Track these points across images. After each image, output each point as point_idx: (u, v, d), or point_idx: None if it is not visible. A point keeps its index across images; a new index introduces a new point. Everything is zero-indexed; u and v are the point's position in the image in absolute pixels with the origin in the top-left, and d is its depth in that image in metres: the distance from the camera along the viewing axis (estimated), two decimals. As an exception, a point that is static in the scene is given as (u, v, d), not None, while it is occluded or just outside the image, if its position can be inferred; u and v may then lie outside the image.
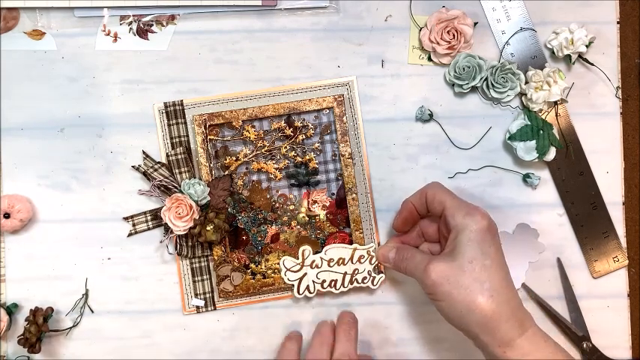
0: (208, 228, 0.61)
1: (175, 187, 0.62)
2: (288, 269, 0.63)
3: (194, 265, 0.64)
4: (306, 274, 0.63)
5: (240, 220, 0.64)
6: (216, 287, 0.64)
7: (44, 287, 0.64)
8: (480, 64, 0.63)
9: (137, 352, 0.64)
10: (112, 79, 0.64)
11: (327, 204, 0.65)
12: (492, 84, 0.63)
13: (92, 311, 0.64)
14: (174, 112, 0.64)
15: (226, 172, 0.64)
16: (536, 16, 0.65)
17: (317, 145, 0.64)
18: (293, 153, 0.64)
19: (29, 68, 0.64)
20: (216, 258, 0.63)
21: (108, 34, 0.64)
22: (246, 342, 0.65)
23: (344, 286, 0.63)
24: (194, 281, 0.64)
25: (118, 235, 0.64)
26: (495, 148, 0.65)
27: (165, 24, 0.64)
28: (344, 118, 0.64)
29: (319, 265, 0.63)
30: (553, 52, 0.64)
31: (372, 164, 0.65)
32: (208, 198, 0.62)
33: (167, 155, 0.63)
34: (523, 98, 0.64)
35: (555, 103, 0.64)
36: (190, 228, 0.61)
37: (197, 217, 0.62)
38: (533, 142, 0.62)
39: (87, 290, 0.64)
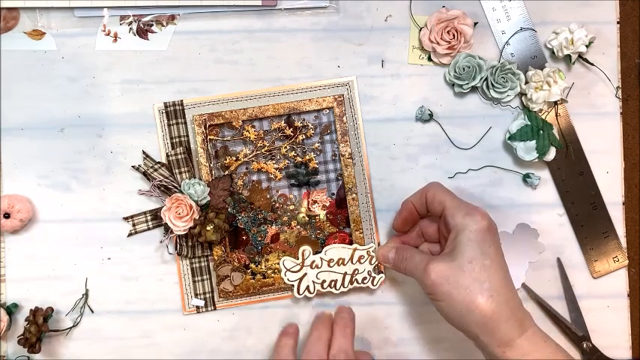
0: (208, 228, 0.61)
1: (175, 187, 0.62)
2: (288, 269, 0.63)
3: (194, 265, 0.64)
4: (306, 274, 0.63)
5: (240, 220, 0.64)
6: (216, 287, 0.64)
7: (44, 287, 0.64)
8: (480, 64, 0.63)
9: (137, 352, 0.64)
10: (112, 79, 0.64)
11: (327, 204, 0.65)
12: (492, 84, 0.63)
13: (92, 311, 0.64)
14: (174, 112, 0.64)
15: (226, 172, 0.64)
16: (536, 16, 0.65)
17: (317, 145, 0.64)
18: (293, 153, 0.64)
19: (29, 68, 0.64)
20: (216, 258, 0.63)
21: (108, 34, 0.64)
22: (246, 342, 0.65)
23: (344, 287, 0.63)
24: (194, 281, 0.64)
25: (118, 235, 0.64)
26: (495, 148, 0.65)
27: (165, 24, 0.64)
28: (344, 118, 0.64)
29: (319, 266, 0.63)
30: (553, 52, 0.64)
31: (372, 164, 0.65)
32: (208, 198, 0.62)
33: (167, 155, 0.63)
34: (523, 98, 0.64)
35: (555, 103, 0.64)
36: (190, 228, 0.61)
37: (197, 217, 0.62)
38: (533, 142, 0.62)
39: (87, 290, 0.64)
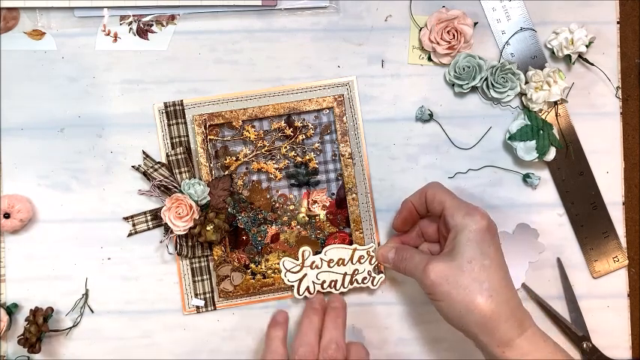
0: (208, 228, 0.61)
1: (175, 187, 0.62)
2: (288, 270, 0.63)
3: (194, 265, 0.64)
4: (306, 274, 0.63)
5: (240, 220, 0.64)
6: (216, 287, 0.64)
7: (44, 287, 0.64)
8: (480, 64, 0.63)
9: (137, 352, 0.64)
10: (112, 79, 0.64)
11: (327, 204, 0.65)
12: (492, 84, 0.63)
13: (92, 311, 0.64)
14: (174, 112, 0.64)
15: (226, 172, 0.64)
16: (536, 16, 0.65)
17: (317, 145, 0.64)
18: (293, 153, 0.64)
19: (29, 68, 0.64)
20: (216, 258, 0.63)
21: (108, 34, 0.64)
22: (246, 342, 0.65)
23: (344, 287, 0.63)
24: (194, 281, 0.64)
25: (118, 235, 0.64)
26: (495, 148, 0.65)
27: (165, 24, 0.64)
28: (344, 118, 0.64)
29: (319, 266, 0.63)
30: (553, 52, 0.64)
31: (372, 164, 0.65)
32: (208, 198, 0.62)
33: (167, 155, 0.63)
34: (523, 98, 0.64)
35: (555, 103, 0.64)
36: (190, 228, 0.61)
37: (197, 217, 0.62)
38: (533, 142, 0.62)
39: (87, 290, 0.64)
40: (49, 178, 0.64)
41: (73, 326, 0.64)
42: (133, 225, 0.64)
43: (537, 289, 0.65)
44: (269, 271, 0.64)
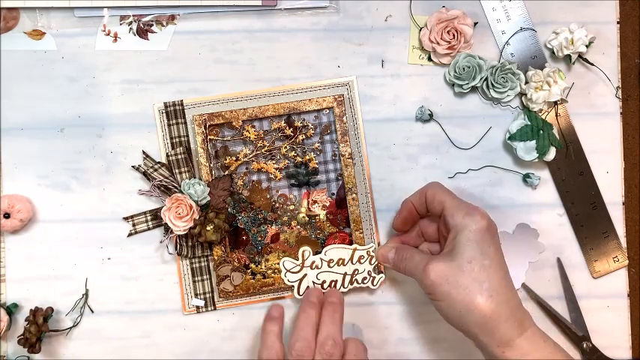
0: (208, 228, 0.61)
1: (175, 187, 0.62)
2: (288, 270, 0.63)
3: (194, 265, 0.64)
4: (306, 275, 0.63)
5: (240, 220, 0.64)
6: (216, 287, 0.64)
7: (44, 287, 0.64)
8: (480, 64, 0.63)
9: (137, 352, 0.64)
10: (112, 79, 0.64)
11: (327, 204, 0.65)
12: (492, 84, 0.63)
13: (92, 311, 0.64)
14: (174, 112, 0.64)
15: (226, 172, 0.64)
16: (536, 16, 0.65)
17: (317, 145, 0.64)
18: (293, 153, 0.64)
19: (29, 68, 0.64)
20: (216, 258, 0.63)
21: (108, 34, 0.64)
22: (246, 342, 0.65)
23: (344, 287, 0.63)
24: (194, 281, 0.64)
25: (118, 235, 0.64)
26: (495, 148, 0.65)
27: (165, 24, 0.64)
28: (344, 118, 0.64)
29: (319, 266, 0.63)
30: (553, 52, 0.64)
31: (372, 164, 0.65)
32: (208, 198, 0.62)
33: (167, 155, 0.63)
34: (523, 98, 0.64)
35: (555, 103, 0.64)
36: (190, 228, 0.61)
37: (197, 217, 0.62)
38: (533, 142, 0.62)
39: (87, 290, 0.64)
40: (49, 178, 0.64)
41: (73, 326, 0.64)
42: (133, 225, 0.64)
43: (537, 289, 0.65)
44: (269, 271, 0.64)
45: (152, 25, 0.64)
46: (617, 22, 0.65)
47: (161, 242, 0.64)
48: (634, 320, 0.65)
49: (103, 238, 0.64)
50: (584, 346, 0.64)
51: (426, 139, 0.65)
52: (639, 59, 0.66)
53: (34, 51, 0.64)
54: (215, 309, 0.64)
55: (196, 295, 0.64)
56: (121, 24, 0.64)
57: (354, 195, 0.64)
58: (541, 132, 0.62)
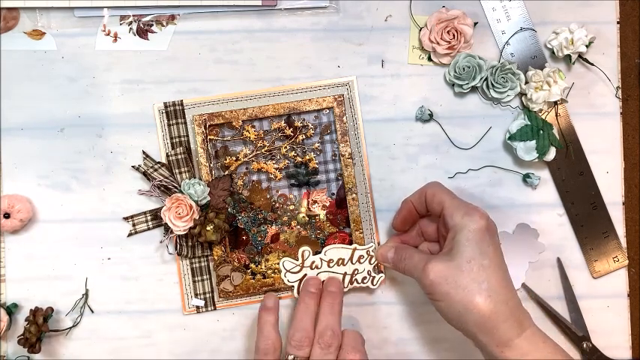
0: (208, 228, 0.61)
1: (175, 187, 0.62)
2: (287, 270, 0.63)
3: (194, 265, 0.64)
4: (306, 275, 0.63)
5: (240, 220, 0.64)
6: (216, 287, 0.64)
7: (44, 287, 0.64)
8: (480, 64, 0.63)
9: (137, 352, 0.64)
10: (112, 79, 0.64)
11: (327, 204, 0.65)
12: (492, 84, 0.63)
13: (92, 311, 0.64)
14: (174, 112, 0.64)
15: (226, 172, 0.64)
16: (536, 16, 0.65)
17: (317, 145, 0.64)
18: (293, 153, 0.64)
19: (29, 68, 0.64)
20: (216, 258, 0.63)
21: (108, 34, 0.64)
22: (246, 342, 0.65)
23: (344, 287, 0.63)
24: (194, 281, 0.64)
25: (118, 235, 0.64)
26: (495, 148, 0.65)
27: (165, 24, 0.64)
28: (344, 118, 0.64)
29: (319, 266, 0.63)
30: (553, 52, 0.64)
31: (372, 164, 0.65)
32: (208, 198, 0.62)
33: (167, 155, 0.63)
34: (523, 98, 0.64)
35: (555, 103, 0.64)
36: (190, 228, 0.61)
37: (197, 217, 0.62)
38: (533, 142, 0.62)
39: (87, 290, 0.64)
40: (49, 178, 0.64)
41: (73, 326, 0.64)
42: (133, 225, 0.64)
43: (537, 289, 0.65)
44: (269, 271, 0.64)
45: (152, 25, 0.64)
46: (617, 22, 0.65)
47: (161, 242, 0.64)
48: (634, 320, 0.65)
49: (103, 238, 0.64)
50: (584, 346, 0.64)
51: (426, 139, 0.65)
52: (639, 59, 0.66)
53: (34, 51, 0.64)
54: (215, 309, 0.64)
55: (196, 295, 0.64)
56: (121, 24, 0.64)
57: (354, 195, 0.64)
58: (541, 132, 0.62)
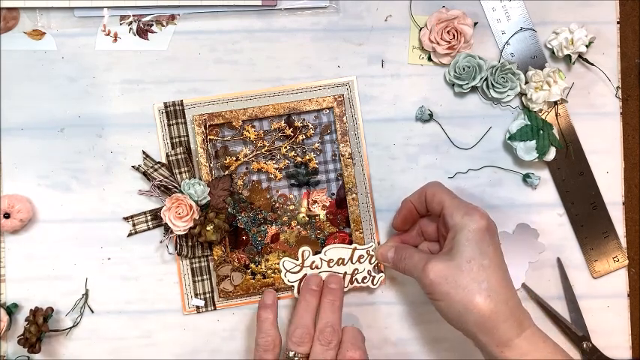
0: (208, 228, 0.61)
1: (175, 187, 0.62)
2: (287, 270, 0.63)
3: (194, 265, 0.64)
4: (306, 275, 0.63)
5: (240, 220, 0.64)
6: (216, 287, 0.64)
7: (44, 287, 0.64)
8: (480, 64, 0.63)
9: (137, 352, 0.64)
10: (112, 79, 0.64)
11: (327, 204, 0.65)
12: (492, 84, 0.63)
13: (92, 311, 0.64)
14: (174, 112, 0.64)
15: (226, 172, 0.64)
16: (536, 16, 0.65)
17: (317, 145, 0.64)
18: (293, 153, 0.64)
19: (29, 68, 0.64)
20: (216, 258, 0.63)
21: (108, 34, 0.64)
22: (246, 342, 0.65)
23: (344, 286, 0.63)
24: (194, 281, 0.64)
25: (118, 235, 0.64)
26: (495, 148, 0.65)
27: (165, 24, 0.64)
28: (344, 118, 0.64)
29: (319, 266, 0.63)
30: (553, 52, 0.64)
31: (372, 164, 0.65)
32: (208, 198, 0.62)
33: (167, 155, 0.63)
34: (523, 98, 0.64)
35: (555, 103, 0.64)
36: (190, 228, 0.61)
37: (197, 217, 0.62)
38: (533, 142, 0.62)
39: (87, 290, 0.64)
40: (49, 178, 0.64)
41: (73, 326, 0.64)
42: (133, 225, 0.64)
43: (537, 289, 0.65)
44: (269, 271, 0.64)
45: (152, 25, 0.64)
46: (617, 22, 0.65)
47: (161, 242, 0.64)
48: (634, 320, 0.65)
49: (103, 238, 0.64)
50: (584, 346, 0.64)
51: (426, 139, 0.65)
52: (639, 59, 0.66)
53: (34, 51, 0.64)
54: (215, 309, 0.64)
55: (196, 295, 0.64)
56: (121, 24, 0.64)
57: (354, 195, 0.64)
58: (541, 132, 0.62)
